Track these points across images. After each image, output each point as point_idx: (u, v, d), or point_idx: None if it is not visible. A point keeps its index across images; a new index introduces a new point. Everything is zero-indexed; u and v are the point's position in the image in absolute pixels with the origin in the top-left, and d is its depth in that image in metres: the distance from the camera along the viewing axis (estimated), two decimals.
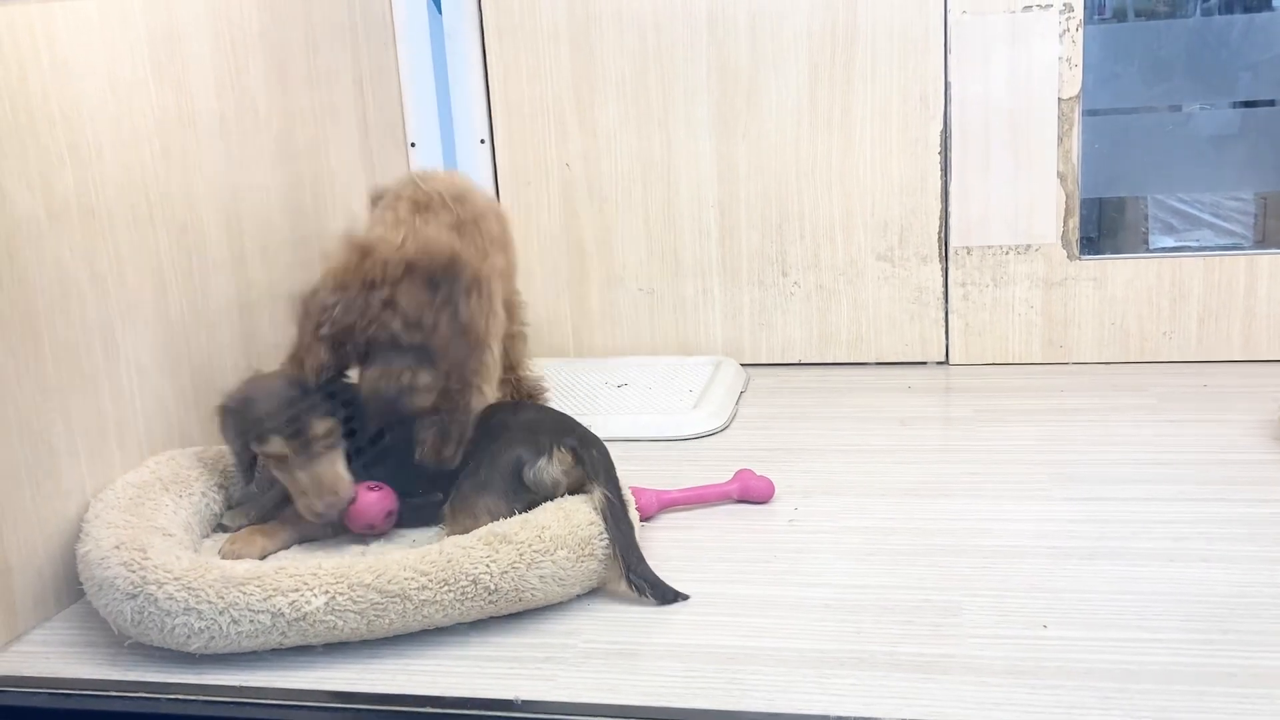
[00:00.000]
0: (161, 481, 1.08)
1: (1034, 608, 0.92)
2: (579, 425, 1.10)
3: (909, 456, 1.31)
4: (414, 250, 1.05)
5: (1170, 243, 1.76)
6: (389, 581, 0.90)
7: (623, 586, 0.98)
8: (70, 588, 1.01)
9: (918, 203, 1.66)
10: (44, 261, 1.01)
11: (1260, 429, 1.32)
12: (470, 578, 0.91)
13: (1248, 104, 1.67)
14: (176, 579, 0.90)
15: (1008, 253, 1.65)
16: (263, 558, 1.03)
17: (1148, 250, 1.75)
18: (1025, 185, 1.63)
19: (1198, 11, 1.68)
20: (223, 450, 1.14)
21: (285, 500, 1.08)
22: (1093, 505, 1.13)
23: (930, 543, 1.06)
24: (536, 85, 1.73)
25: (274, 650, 0.91)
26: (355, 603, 0.89)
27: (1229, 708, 0.76)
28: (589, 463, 1.04)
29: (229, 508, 1.14)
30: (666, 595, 0.97)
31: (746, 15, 1.66)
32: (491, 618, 0.94)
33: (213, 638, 0.89)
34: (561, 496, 1.04)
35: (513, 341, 1.33)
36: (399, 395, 1.04)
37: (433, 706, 0.83)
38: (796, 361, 1.75)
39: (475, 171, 1.76)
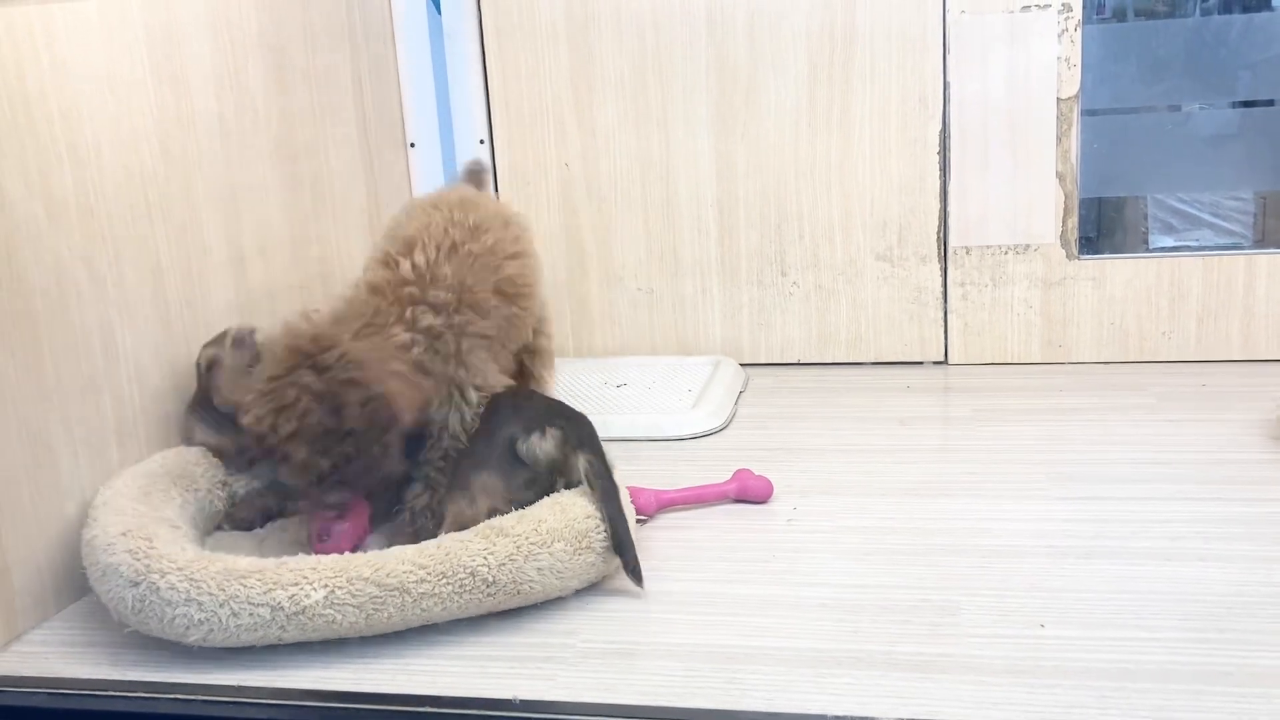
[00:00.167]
0: (170, 474, 1.08)
1: (1032, 607, 0.92)
2: (569, 408, 1.13)
3: (908, 456, 1.31)
4: (338, 377, 0.98)
5: (1170, 242, 1.77)
6: (387, 575, 0.90)
7: (619, 579, 1.00)
8: (69, 587, 1.01)
9: (916, 202, 1.67)
10: (43, 261, 1.01)
11: (1259, 428, 1.32)
12: (468, 570, 0.92)
13: (1247, 103, 1.67)
14: (180, 569, 0.90)
15: (1006, 252, 1.66)
16: None
17: (1148, 250, 1.75)
18: (1024, 185, 1.63)
19: (1197, 11, 1.68)
20: None
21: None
22: (1091, 505, 1.13)
23: (929, 542, 1.06)
24: (535, 85, 1.73)
25: (273, 649, 0.91)
26: (354, 596, 0.90)
27: (1226, 707, 0.76)
28: (574, 437, 1.06)
29: (232, 504, 1.15)
30: (634, 567, 0.98)
31: (745, 15, 1.66)
32: (490, 615, 0.94)
33: (211, 630, 0.89)
34: (555, 473, 1.06)
35: (534, 357, 1.32)
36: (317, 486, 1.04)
37: (431, 706, 0.83)
38: (795, 361, 1.75)
39: None
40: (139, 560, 0.91)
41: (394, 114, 1.70)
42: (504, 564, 0.93)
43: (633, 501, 1.09)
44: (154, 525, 0.98)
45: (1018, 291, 1.67)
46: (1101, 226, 1.82)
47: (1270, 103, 1.66)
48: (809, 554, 1.05)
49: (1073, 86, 1.59)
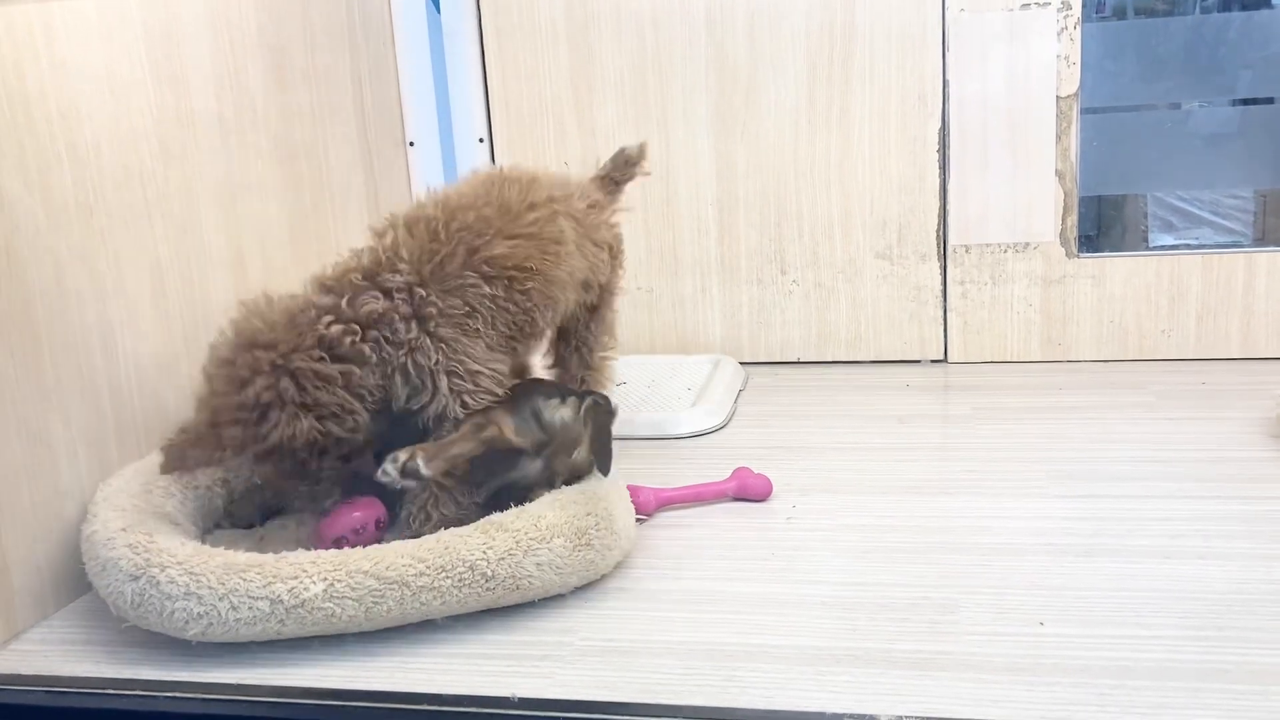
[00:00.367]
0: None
1: (1031, 605, 0.92)
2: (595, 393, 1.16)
3: (907, 454, 1.31)
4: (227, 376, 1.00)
5: (1170, 240, 1.77)
6: (387, 568, 0.91)
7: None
8: (69, 586, 1.01)
9: (916, 201, 1.67)
10: (42, 260, 1.01)
11: (1258, 426, 1.32)
12: (467, 564, 0.92)
13: (1246, 101, 1.67)
14: (179, 563, 0.91)
15: (1006, 251, 1.66)
16: None
17: (1147, 248, 1.75)
18: (1023, 183, 1.63)
19: (1196, 9, 1.68)
20: None
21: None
22: (1090, 503, 1.13)
23: (928, 540, 1.06)
24: (535, 84, 1.73)
25: (272, 646, 0.91)
26: (353, 589, 0.90)
27: (1225, 704, 0.76)
28: (590, 400, 1.07)
29: (232, 501, 1.15)
30: (606, 468, 1.03)
31: (745, 14, 1.66)
32: (488, 613, 0.94)
33: (211, 624, 0.89)
34: (570, 443, 1.06)
35: (574, 352, 1.32)
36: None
37: (430, 704, 0.83)
38: (795, 360, 1.75)
39: (474, 170, 1.76)
40: (138, 554, 0.92)
41: (393, 113, 1.70)
42: (503, 558, 0.93)
43: (632, 500, 1.10)
44: (154, 521, 0.98)
45: (1017, 290, 1.66)
46: (1101, 224, 1.82)
47: (1270, 101, 1.66)
48: (808, 552, 1.05)
49: (1072, 84, 1.59)
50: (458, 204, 1.11)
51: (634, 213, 1.72)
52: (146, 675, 0.89)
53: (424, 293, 1.04)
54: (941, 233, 1.67)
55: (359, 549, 0.94)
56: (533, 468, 1.06)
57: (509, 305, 1.10)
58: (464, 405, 1.06)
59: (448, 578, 0.91)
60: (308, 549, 0.98)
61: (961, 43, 1.61)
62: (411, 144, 1.73)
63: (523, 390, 1.10)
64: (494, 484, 1.07)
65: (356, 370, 1.02)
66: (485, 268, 1.07)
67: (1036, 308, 1.66)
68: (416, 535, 1.01)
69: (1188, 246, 1.72)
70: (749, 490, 1.19)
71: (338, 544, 1.02)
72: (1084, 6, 1.57)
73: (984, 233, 1.66)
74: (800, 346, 1.74)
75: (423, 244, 1.06)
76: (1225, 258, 1.61)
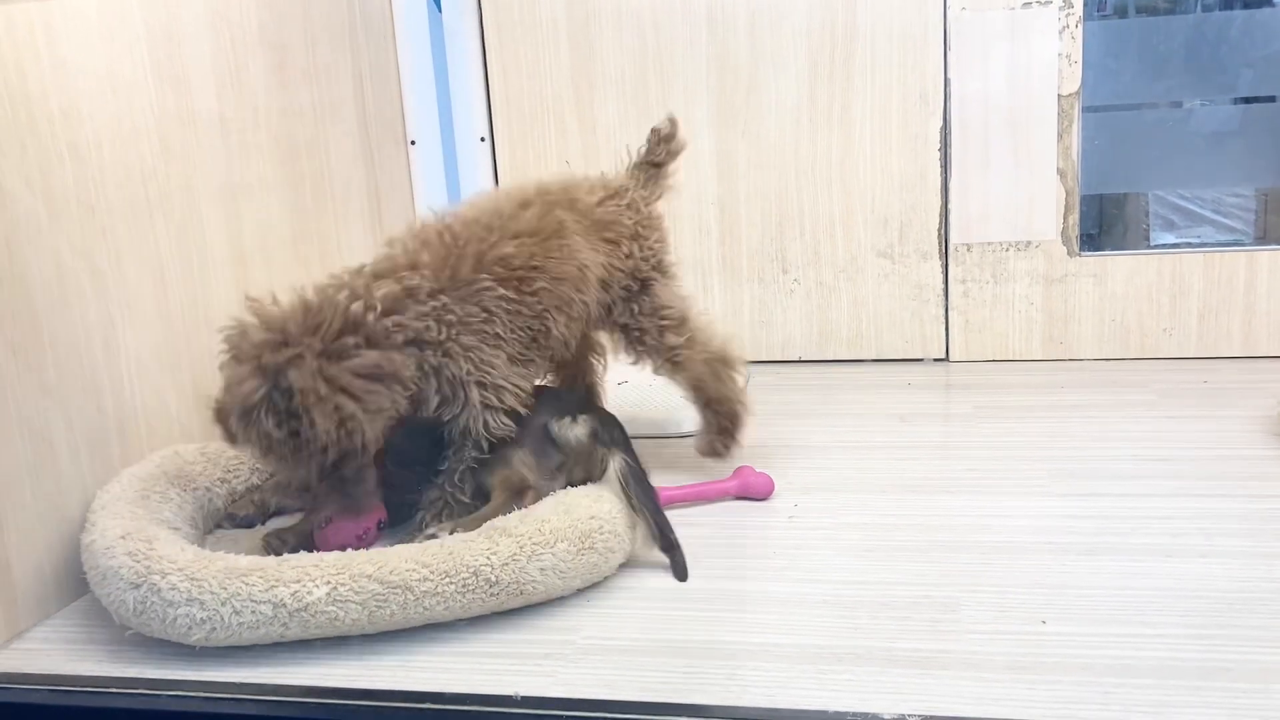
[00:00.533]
0: (167, 475, 1.08)
1: (1033, 603, 0.92)
2: (602, 407, 1.18)
3: (909, 453, 1.31)
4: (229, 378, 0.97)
5: (1171, 239, 1.76)
6: (390, 572, 0.90)
7: (653, 552, 1.03)
8: (71, 585, 1.01)
9: (917, 199, 1.66)
10: (44, 259, 1.01)
11: (1260, 425, 1.32)
12: (471, 569, 0.92)
13: (1248, 100, 1.67)
14: (181, 569, 0.90)
15: (1008, 249, 1.65)
16: None
17: (1149, 247, 1.75)
18: (1025, 182, 1.63)
19: (1198, 7, 1.68)
20: (225, 446, 1.14)
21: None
22: (1092, 501, 1.13)
23: (930, 539, 1.06)
24: (536, 82, 1.73)
25: (275, 646, 0.91)
26: (357, 593, 0.90)
27: (1226, 702, 0.76)
28: (608, 436, 1.08)
29: (233, 501, 1.15)
30: (682, 570, 1.00)
31: (746, 12, 1.66)
32: (492, 613, 0.94)
33: (214, 629, 0.89)
34: (585, 459, 1.08)
35: (595, 358, 1.31)
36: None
37: (433, 703, 0.83)
38: (796, 359, 1.75)
39: (475, 169, 1.77)
40: (139, 562, 0.92)
41: (394, 111, 1.70)
42: (507, 563, 0.93)
43: None
44: (153, 527, 0.98)
45: (1019, 288, 1.66)
46: (1103, 223, 1.81)
47: (1271, 99, 1.65)
48: (810, 551, 1.05)
49: (1074, 83, 1.59)
50: (458, 216, 1.11)
51: None
52: (149, 674, 0.89)
53: (445, 300, 1.04)
54: (943, 231, 1.67)
55: (362, 552, 0.94)
56: (552, 487, 1.08)
57: (521, 308, 1.08)
58: (486, 426, 1.06)
59: (451, 583, 0.91)
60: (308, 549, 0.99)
61: (963, 41, 1.61)
62: (413, 142, 1.73)
63: (529, 412, 1.10)
64: None
65: (394, 353, 1.00)
66: (496, 268, 1.07)
67: (1038, 306, 1.66)
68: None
69: (1189, 245, 1.72)
70: (751, 489, 1.19)
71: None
72: (1085, 5, 1.57)
73: (985, 231, 1.66)
74: (802, 345, 1.74)
75: (437, 252, 1.06)
76: (1227, 256, 1.61)
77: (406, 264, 1.05)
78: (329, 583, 0.90)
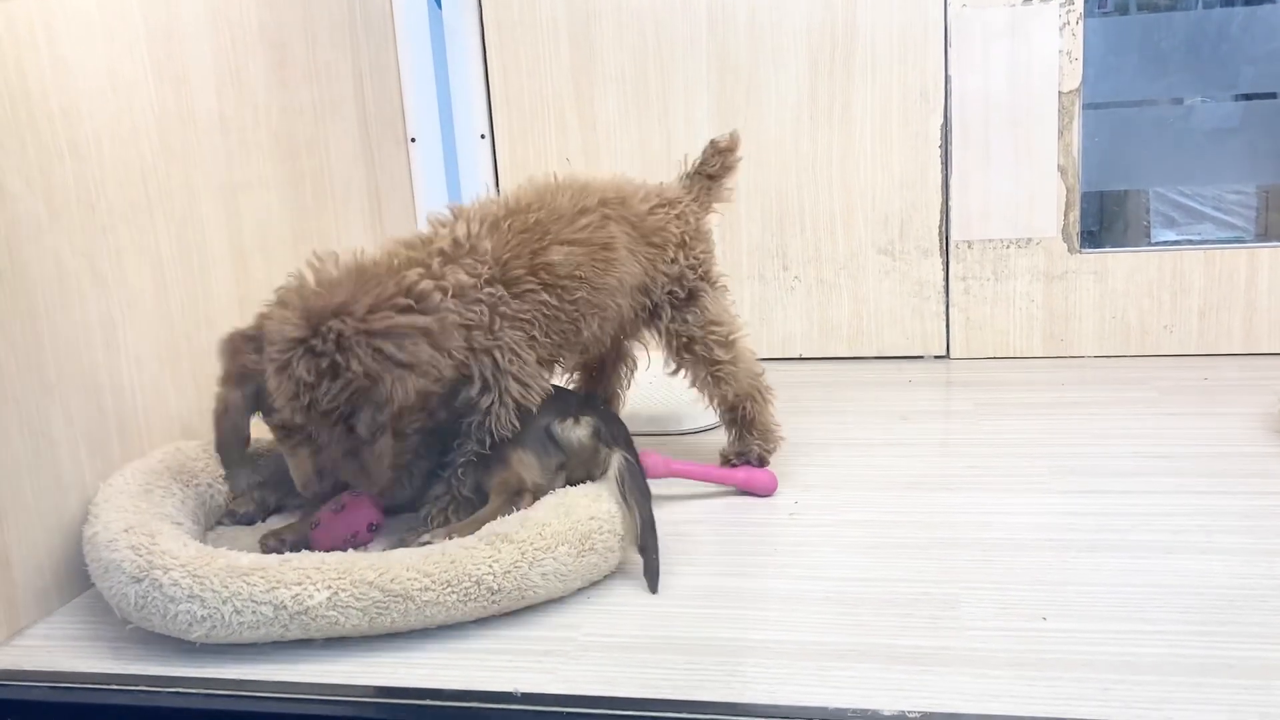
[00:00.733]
0: (170, 470, 1.09)
1: (1033, 600, 0.92)
2: (604, 406, 1.19)
3: (909, 450, 1.31)
4: (325, 353, 0.96)
5: (1172, 236, 1.76)
6: (392, 580, 0.90)
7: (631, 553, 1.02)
8: (71, 582, 1.02)
9: (918, 196, 1.66)
10: (44, 257, 1.01)
11: (1260, 422, 1.32)
12: (474, 579, 0.92)
13: (1249, 97, 1.67)
14: (183, 565, 0.90)
15: (1008, 246, 1.65)
16: None
17: (1150, 244, 1.75)
18: (1026, 179, 1.63)
19: (1199, 4, 1.68)
20: None
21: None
22: (1093, 498, 1.13)
23: (930, 536, 1.06)
24: (536, 80, 1.73)
25: (275, 643, 0.91)
26: (358, 599, 0.90)
27: (1227, 699, 0.76)
28: (609, 434, 1.09)
29: (234, 498, 1.15)
30: (653, 580, 0.98)
31: (746, 10, 1.66)
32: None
33: (214, 626, 0.89)
34: (586, 463, 1.08)
35: (616, 372, 1.32)
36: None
37: (433, 699, 0.83)
38: (797, 356, 1.75)
39: (476, 166, 1.77)
40: (141, 556, 0.92)
41: (395, 109, 1.70)
42: (509, 571, 0.93)
43: (642, 464, 1.09)
44: (155, 521, 0.98)
45: (1019, 285, 1.66)
46: (1103, 220, 1.81)
47: (1272, 96, 1.65)
48: (811, 547, 1.05)
49: (1074, 80, 1.59)
50: (515, 207, 1.11)
51: None
52: (150, 671, 0.89)
53: (501, 292, 1.05)
54: (944, 228, 1.67)
55: (364, 556, 0.94)
56: (552, 486, 1.09)
57: (559, 314, 1.10)
58: (499, 421, 1.06)
59: (453, 592, 0.91)
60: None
61: (963, 38, 1.61)
62: (413, 140, 1.73)
63: (536, 410, 1.10)
64: None
65: (447, 317, 1.00)
66: (543, 274, 1.08)
67: (1039, 303, 1.66)
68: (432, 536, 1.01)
69: (1190, 242, 1.72)
70: (753, 485, 1.19)
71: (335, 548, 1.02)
72: (1086, 2, 1.57)
73: (986, 228, 1.65)
74: (802, 342, 1.74)
75: (498, 242, 1.07)
76: (1227, 253, 1.61)
77: (470, 249, 1.05)
78: (330, 587, 0.90)
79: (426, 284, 1.00)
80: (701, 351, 1.21)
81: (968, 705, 0.77)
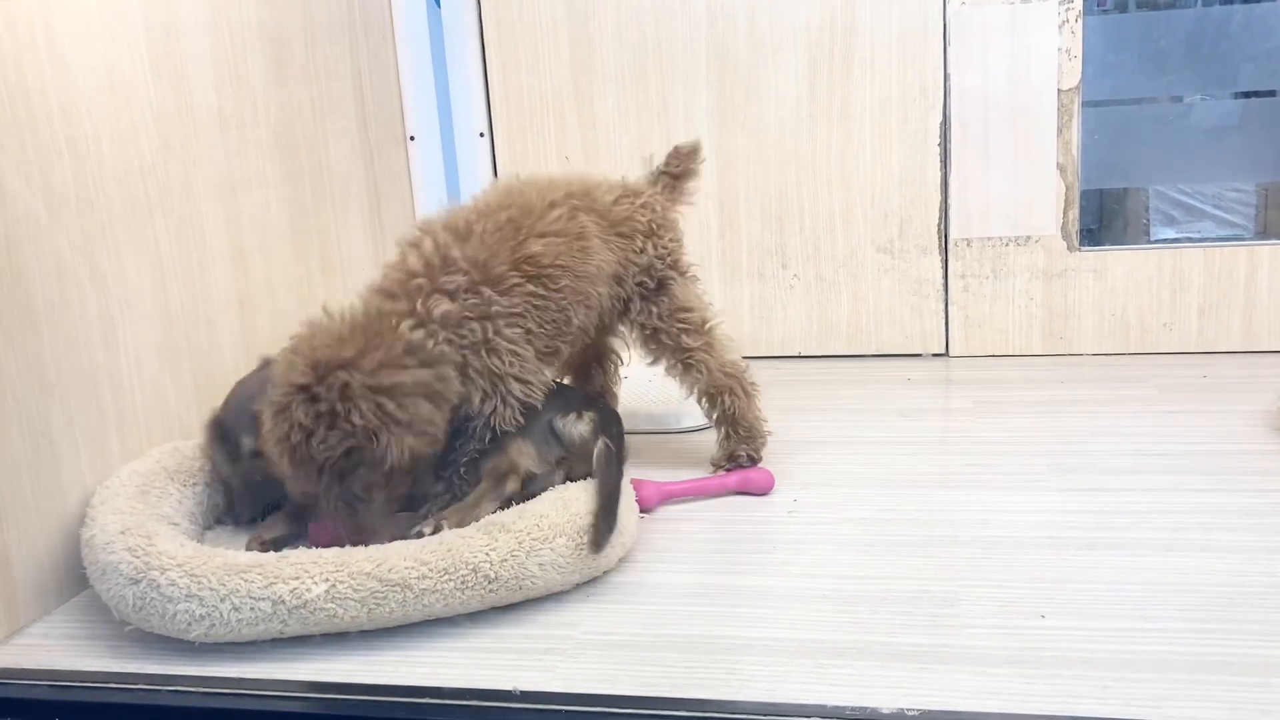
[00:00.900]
0: (167, 471, 1.08)
1: (1032, 598, 0.92)
2: (607, 403, 1.21)
3: (908, 448, 1.31)
4: (324, 411, 0.96)
5: (1171, 234, 1.76)
6: (389, 570, 0.90)
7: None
8: (71, 581, 1.02)
9: (917, 194, 1.66)
10: (43, 255, 1.01)
11: (1260, 420, 1.32)
12: (470, 566, 0.92)
13: (1248, 94, 1.67)
14: (180, 565, 0.91)
15: (1007, 244, 1.65)
16: None
17: (1149, 241, 1.75)
18: (1025, 176, 1.63)
19: (1198, 2, 1.68)
20: None
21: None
22: (1091, 496, 1.13)
23: (929, 533, 1.06)
24: (535, 78, 1.73)
25: (274, 641, 0.91)
26: (355, 591, 0.90)
27: (1226, 696, 0.76)
28: (604, 428, 1.09)
29: (231, 498, 1.15)
30: (599, 542, 0.98)
31: (745, 7, 1.66)
32: (491, 608, 0.94)
33: (213, 625, 0.89)
34: (586, 455, 1.08)
35: (607, 359, 1.32)
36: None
37: (432, 697, 0.83)
38: (796, 354, 1.75)
39: (475, 164, 1.77)
40: (138, 558, 0.92)
41: (394, 107, 1.70)
42: (506, 560, 0.93)
43: (636, 494, 1.10)
44: (152, 523, 0.98)
45: (1019, 283, 1.66)
46: (1103, 218, 1.81)
47: (1272, 94, 1.65)
48: (809, 545, 1.05)
49: (1074, 78, 1.59)
50: (484, 209, 1.12)
51: None
52: (149, 669, 0.89)
53: (488, 291, 1.06)
54: (943, 226, 1.67)
55: (361, 549, 0.94)
56: (551, 480, 1.09)
57: (548, 304, 1.11)
58: (504, 419, 1.07)
59: (450, 580, 0.91)
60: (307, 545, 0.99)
61: (963, 35, 1.61)
62: (412, 138, 1.73)
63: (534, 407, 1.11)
64: None
65: (448, 373, 1.02)
66: (526, 266, 1.09)
67: (1038, 301, 1.66)
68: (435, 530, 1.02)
69: (1189, 240, 1.72)
70: (751, 484, 1.19)
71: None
72: (1085, 0, 1.57)
73: (985, 226, 1.65)
74: (801, 341, 1.74)
75: (474, 245, 1.08)
76: (1227, 251, 1.61)
77: (442, 261, 1.06)
78: (328, 580, 0.90)
79: (418, 334, 1.01)
80: (667, 340, 1.22)
81: (966, 703, 0.77)
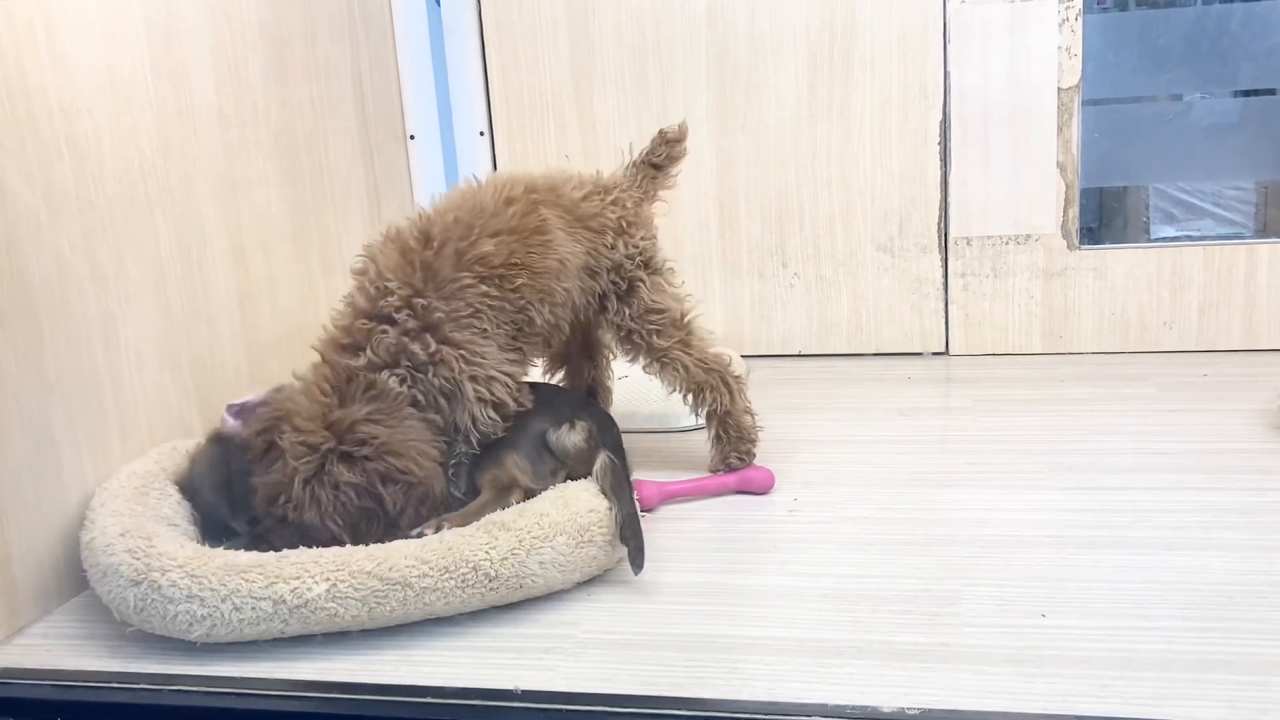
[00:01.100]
0: (166, 472, 1.08)
1: (1032, 597, 0.92)
2: (601, 409, 1.18)
3: (908, 447, 1.31)
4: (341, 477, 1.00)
5: (1171, 232, 1.76)
6: (390, 569, 0.91)
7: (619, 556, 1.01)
8: (72, 580, 1.02)
9: (917, 193, 1.66)
10: (43, 254, 1.01)
11: (1259, 418, 1.32)
12: (471, 564, 0.92)
13: (1248, 93, 1.67)
14: (180, 566, 0.91)
15: (1007, 243, 1.65)
16: None
17: (1149, 240, 1.75)
18: (1025, 175, 1.63)
19: (1198, 0, 1.67)
20: None
21: None
22: (1091, 495, 1.13)
23: (929, 532, 1.06)
24: (535, 77, 1.73)
25: (275, 641, 0.91)
26: (356, 590, 0.90)
27: (1225, 695, 0.77)
28: (600, 435, 1.09)
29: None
30: (637, 564, 0.98)
31: (745, 8, 1.66)
32: (492, 607, 0.94)
33: (214, 625, 0.89)
34: (583, 463, 1.08)
35: (597, 352, 1.32)
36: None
37: (433, 697, 0.83)
38: (797, 353, 1.75)
39: (474, 164, 1.77)
40: (139, 559, 0.92)
41: (394, 106, 1.70)
42: (506, 558, 0.93)
43: (636, 494, 1.10)
44: (152, 524, 0.98)
45: (1018, 282, 1.66)
46: (1103, 216, 1.81)
47: (1272, 92, 1.65)
48: (810, 544, 1.06)
49: (1074, 76, 1.59)
50: (435, 213, 1.11)
51: None
52: (150, 669, 0.89)
53: (424, 301, 1.05)
54: (942, 225, 1.67)
55: (361, 549, 0.94)
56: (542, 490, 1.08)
57: (504, 304, 1.09)
58: (474, 421, 1.06)
59: (451, 578, 0.91)
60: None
61: (963, 34, 1.61)
62: (412, 137, 1.73)
63: (524, 419, 1.10)
64: None
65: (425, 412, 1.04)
66: (477, 267, 1.08)
67: (1038, 300, 1.66)
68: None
69: (1189, 238, 1.72)
70: (751, 483, 1.19)
71: None
72: None
73: (985, 225, 1.66)
74: (802, 339, 1.75)
75: (401, 256, 1.07)
76: (1227, 249, 1.61)
77: (378, 289, 1.06)
78: (328, 579, 0.90)
79: (389, 381, 1.03)
80: (639, 340, 1.21)
81: (966, 702, 0.78)
